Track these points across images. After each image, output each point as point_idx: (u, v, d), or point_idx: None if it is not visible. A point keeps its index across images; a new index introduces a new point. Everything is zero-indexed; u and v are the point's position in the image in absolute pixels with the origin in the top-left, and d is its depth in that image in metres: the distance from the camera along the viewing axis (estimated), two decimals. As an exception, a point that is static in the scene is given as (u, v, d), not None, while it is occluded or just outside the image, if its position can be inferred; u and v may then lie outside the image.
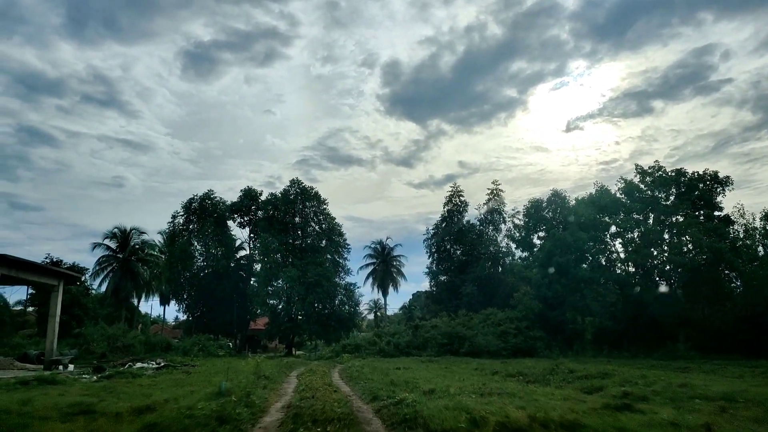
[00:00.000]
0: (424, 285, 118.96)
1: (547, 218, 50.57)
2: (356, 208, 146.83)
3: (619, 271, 47.79)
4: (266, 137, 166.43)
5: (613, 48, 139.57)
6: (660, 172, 47.30)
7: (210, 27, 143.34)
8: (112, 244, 55.79)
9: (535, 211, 51.05)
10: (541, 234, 50.99)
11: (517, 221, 54.64)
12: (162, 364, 25.85)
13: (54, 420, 8.65)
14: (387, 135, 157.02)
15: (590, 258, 47.67)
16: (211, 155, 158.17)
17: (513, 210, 55.71)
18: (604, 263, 47.77)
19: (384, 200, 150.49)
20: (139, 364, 26.18)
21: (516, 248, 53.73)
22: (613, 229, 47.98)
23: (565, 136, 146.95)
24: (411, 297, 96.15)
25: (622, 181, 48.46)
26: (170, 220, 58.63)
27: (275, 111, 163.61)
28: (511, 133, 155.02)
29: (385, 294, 76.48)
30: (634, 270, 47.09)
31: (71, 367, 24.00)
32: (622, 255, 47.69)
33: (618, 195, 48.48)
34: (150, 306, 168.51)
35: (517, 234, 53.09)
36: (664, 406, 10.28)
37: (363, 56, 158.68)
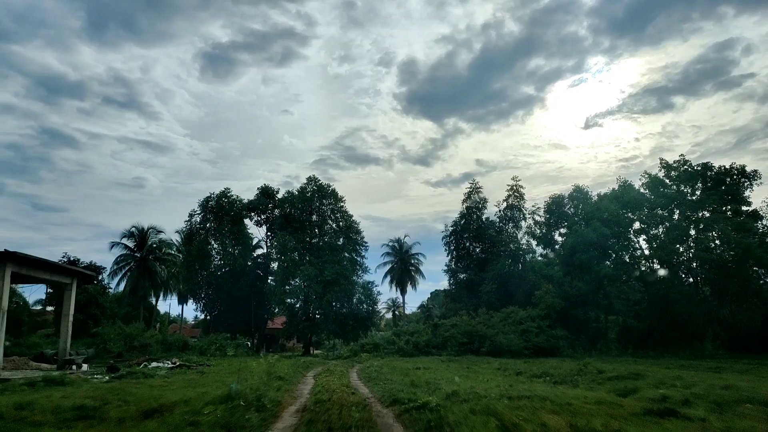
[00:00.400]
0: (442, 284, 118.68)
1: (568, 214, 49.51)
2: (374, 207, 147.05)
3: (643, 269, 46.77)
4: (284, 137, 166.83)
5: (632, 43, 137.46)
6: (686, 167, 46.18)
7: (228, 28, 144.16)
8: (130, 243, 55.75)
9: (556, 207, 49.97)
10: (563, 230, 49.95)
11: (537, 218, 53.62)
12: (177, 364, 25.39)
13: (49, 426, 8.04)
14: (404, 134, 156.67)
15: (613, 255, 46.62)
16: (229, 155, 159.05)
17: (533, 206, 54.59)
18: (627, 260, 46.73)
19: (401, 199, 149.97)
20: (154, 364, 25.74)
21: (537, 245, 52.68)
22: (636, 225, 46.98)
23: (584, 133, 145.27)
24: (429, 295, 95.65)
25: (646, 176, 47.35)
26: (187, 218, 58.38)
27: (293, 111, 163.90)
28: (528, 130, 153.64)
29: (403, 292, 75.83)
30: (659, 267, 46.03)
31: (85, 366, 23.60)
32: (646, 252, 46.67)
33: (642, 190, 47.45)
34: (168, 305, 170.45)
35: (538, 230, 52.09)
36: (711, 412, 9.40)
37: (380, 55, 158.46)
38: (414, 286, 75.51)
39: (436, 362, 31.83)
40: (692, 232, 44.92)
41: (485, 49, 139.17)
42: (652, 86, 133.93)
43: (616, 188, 48.83)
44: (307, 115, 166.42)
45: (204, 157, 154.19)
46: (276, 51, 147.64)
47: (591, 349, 41.08)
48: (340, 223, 55.82)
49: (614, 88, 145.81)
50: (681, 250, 44.82)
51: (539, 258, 53.74)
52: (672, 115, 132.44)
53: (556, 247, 49.78)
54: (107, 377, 17.92)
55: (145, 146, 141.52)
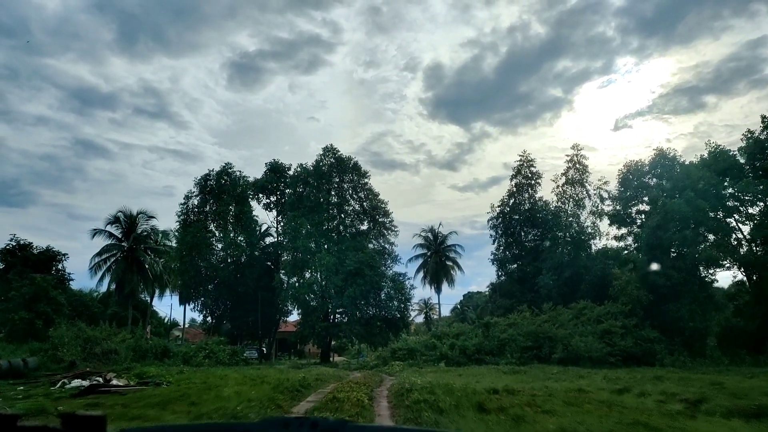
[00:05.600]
0: (474, 287, 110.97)
1: (649, 185, 39.63)
2: (401, 212, 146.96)
3: (744, 252, 37.55)
4: (310, 144, 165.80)
5: (662, 43, 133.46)
6: (795, 126, 36.70)
7: (255, 37, 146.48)
8: (116, 231, 47.09)
9: (634, 177, 40.05)
10: (642, 207, 40.15)
11: (604, 194, 43.97)
12: (99, 382, 16.36)
13: None
14: (430, 138, 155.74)
15: (711, 235, 37.08)
16: (257, 163, 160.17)
17: (600, 180, 44.64)
18: (726, 242, 37.32)
19: (428, 204, 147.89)
20: (76, 382, 16.85)
21: (610, 225, 42.39)
22: (730, 202, 37.72)
23: (614, 134, 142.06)
24: (462, 297, 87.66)
25: (748, 135, 37.71)
26: (183, 201, 48.62)
27: (319, 117, 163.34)
28: (556, 133, 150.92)
29: (438, 290, 66.11)
30: (763, 251, 36.45)
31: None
32: (746, 230, 37.28)
33: (738, 157, 38.41)
34: (170, 306, 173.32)
35: (609, 207, 42.17)
36: None
37: (405, 60, 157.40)
38: (450, 283, 65.78)
39: (499, 374, 23.09)
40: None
41: (511, 51, 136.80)
42: (683, 86, 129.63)
43: (706, 156, 39.27)
44: (333, 121, 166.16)
45: (232, 165, 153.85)
46: (302, 58, 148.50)
47: (697, 356, 31.57)
48: (364, 204, 46.23)
49: (644, 89, 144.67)
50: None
51: (612, 241, 43.79)
52: (704, 115, 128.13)
53: (635, 226, 39.86)
54: None
55: (175, 155, 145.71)
